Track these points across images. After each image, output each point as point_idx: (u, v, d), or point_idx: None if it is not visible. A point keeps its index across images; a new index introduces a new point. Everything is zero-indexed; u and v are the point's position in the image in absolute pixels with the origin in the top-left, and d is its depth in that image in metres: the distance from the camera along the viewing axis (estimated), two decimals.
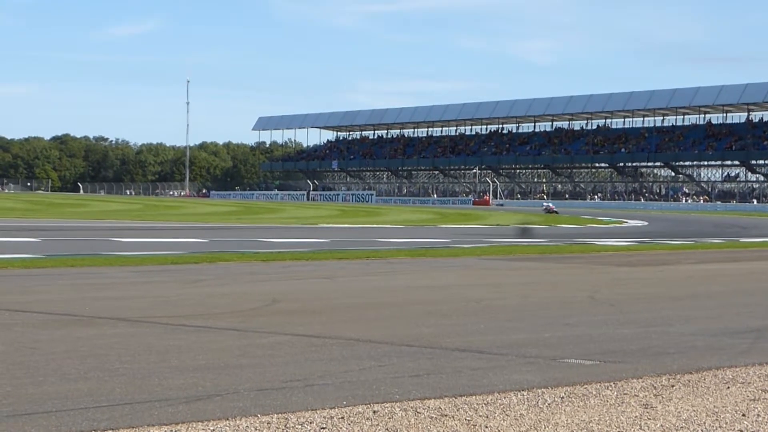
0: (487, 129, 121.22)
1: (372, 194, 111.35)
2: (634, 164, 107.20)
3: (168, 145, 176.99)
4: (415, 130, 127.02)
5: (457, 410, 5.89)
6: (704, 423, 5.79)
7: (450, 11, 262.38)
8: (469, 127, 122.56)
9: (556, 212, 50.59)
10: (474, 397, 6.25)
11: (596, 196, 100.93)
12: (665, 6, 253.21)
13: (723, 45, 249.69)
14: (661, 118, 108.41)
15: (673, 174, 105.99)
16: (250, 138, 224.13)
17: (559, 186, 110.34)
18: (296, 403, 5.94)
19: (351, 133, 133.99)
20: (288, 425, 5.44)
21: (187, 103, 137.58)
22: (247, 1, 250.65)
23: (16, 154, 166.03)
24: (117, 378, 6.54)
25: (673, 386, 6.80)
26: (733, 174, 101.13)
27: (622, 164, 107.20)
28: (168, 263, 16.31)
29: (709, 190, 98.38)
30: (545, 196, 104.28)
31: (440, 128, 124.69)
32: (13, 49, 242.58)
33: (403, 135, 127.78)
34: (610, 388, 6.67)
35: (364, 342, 8.30)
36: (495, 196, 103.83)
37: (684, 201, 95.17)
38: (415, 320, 9.83)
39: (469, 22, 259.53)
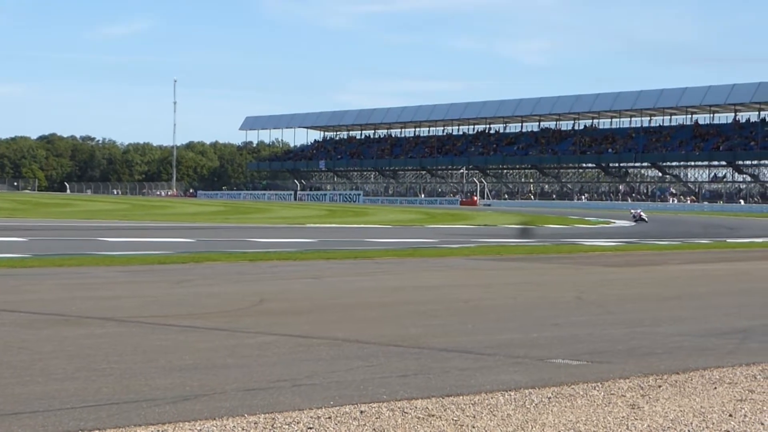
0: (474, 129, 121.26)
1: (359, 194, 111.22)
2: (621, 164, 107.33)
3: (155, 144, 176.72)
4: (403, 130, 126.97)
5: (445, 410, 5.90)
6: (691, 423, 5.80)
7: (442, 12, 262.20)
8: (457, 127, 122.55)
9: (645, 221, 49.55)
10: (461, 397, 6.25)
11: (583, 197, 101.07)
12: (658, 7, 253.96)
13: (715, 45, 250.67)
14: (649, 118, 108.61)
15: (660, 174, 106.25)
16: (237, 138, 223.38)
17: (546, 186, 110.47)
18: (283, 403, 5.94)
19: (338, 133, 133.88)
20: (275, 425, 5.43)
21: (174, 103, 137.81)
22: (236, 0, 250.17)
23: (3, 154, 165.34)
24: (104, 378, 6.53)
25: (660, 387, 6.81)
26: (720, 174, 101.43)
27: (609, 164, 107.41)
28: (155, 263, 16.28)
29: (696, 190, 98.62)
30: (532, 197, 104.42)
31: (427, 128, 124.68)
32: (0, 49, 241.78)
33: (391, 135, 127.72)
34: (597, 388, 6.68)
35: (351, 342, 8.29)
36: (482, 197, 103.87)
37: (671, 201, 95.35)
38: (402, 320, 9.83)
39: (461, 23, 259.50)
